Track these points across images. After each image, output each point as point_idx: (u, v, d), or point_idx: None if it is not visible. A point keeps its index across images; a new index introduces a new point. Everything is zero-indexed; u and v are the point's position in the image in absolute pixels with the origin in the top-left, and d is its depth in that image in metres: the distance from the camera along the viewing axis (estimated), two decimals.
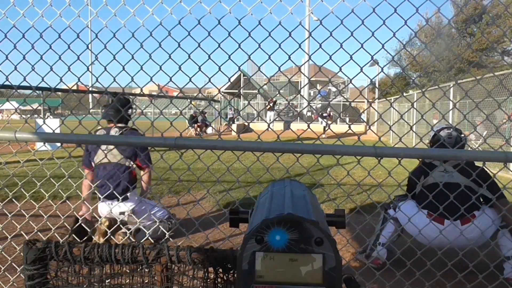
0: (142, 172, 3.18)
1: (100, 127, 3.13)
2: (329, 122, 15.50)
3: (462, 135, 2.78)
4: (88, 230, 2.68)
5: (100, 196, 3.00)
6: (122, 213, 3.03)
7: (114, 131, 3.08)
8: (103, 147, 3.01)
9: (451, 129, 2.81)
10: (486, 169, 2.16)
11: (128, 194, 3.00)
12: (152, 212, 3.13)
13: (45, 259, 1.07)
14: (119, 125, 3.17)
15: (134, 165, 3.10)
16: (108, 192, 2.80)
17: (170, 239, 3.11)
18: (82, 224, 2.87)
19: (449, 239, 2.04)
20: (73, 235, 2.88)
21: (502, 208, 2.33)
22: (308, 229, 0.55)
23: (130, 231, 2.94)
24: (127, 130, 3.14)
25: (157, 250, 1.05)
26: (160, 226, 2.91)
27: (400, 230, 2.77)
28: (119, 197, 2.19)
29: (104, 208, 3.06)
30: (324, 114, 16.54)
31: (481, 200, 2.62)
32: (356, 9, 1.45)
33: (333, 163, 5.77)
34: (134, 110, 3.29)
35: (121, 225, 2.75)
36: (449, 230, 2.38)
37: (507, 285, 2.34)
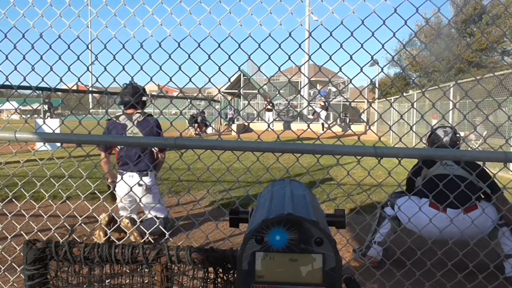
0: (158, 155, 3.44)
1: (120, 113, 3.39)
2: (327, 121, 15.41)
3: (458, 135, 2.81)
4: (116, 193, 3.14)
5: (122, 171, 3.29)
6: (140, 184, 3.24)
7: (135, 117, 3.33)
8: (129, 131, 3.30)
9: (447, 128, 2.85)
10: (486, 168, 2.18)
11: (148, 171, 3.26)
12: (158, 203, 3.35)
13: (45, 259, 1.07)
14: (138, 111, 3.40)
15: (156, 148, 3.34)
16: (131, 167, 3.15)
17: (170, 239, 3.12)
18: (114, 192, 3.20)
19: (454, 229, 2.04)
20: (110, 197, 3.20)
21: (501, 207, 2.34)
22: (308, 229, 0.56)
23: (137, 223, 3.07)
24: (145, 117, 3.36)
25: (157, 250, 1.05)
26: (162, 222, 3.08)
27: (399, 229, 2.77)
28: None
29: (126, 179, 3.21)
30: (318, 109, 16.30)
31: (482, 196, 2.63)
32: (356, 9, 1.45)
33: (333, 163, 5.77)
34: (148, 99, 3.55)
35: (118, 220, 2.85)
36: (452, 218, 2.37)
37: (507, 284, 2.34)
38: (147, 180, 3.29)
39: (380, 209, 2.87)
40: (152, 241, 3.07)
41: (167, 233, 2.12)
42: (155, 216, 3.12)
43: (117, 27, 1.62)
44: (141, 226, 2.96)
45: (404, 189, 2.99)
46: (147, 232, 1.92)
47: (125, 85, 3.27)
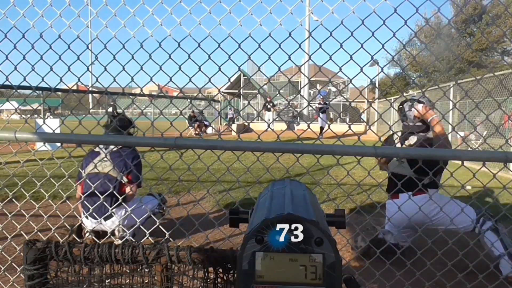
0: (129, 187, 3.06)
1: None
2: (328, 122, 15.35)
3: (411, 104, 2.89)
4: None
5: (84, 212, 2.89)
6: (113, 230, 3.00)
7: (111, 147, 3.04)
8: (96, 159, 3.01)
9: (415, 101, 2.81)
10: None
11: (113, 212, 2.89)
12: (143, 208, 3.09)
13: (45, 259, 1.07)
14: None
15: (125, 179, 3.02)
16: (93, 209, 2.50)
17: (170, 239, 3.11)
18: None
19: (409, 212, 2.20)
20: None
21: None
22: (308, 229, 0.56)
23: (123, 240, 2.96)
24: (121, 147, 3.04)
25: (157, 250, 1.05)
26: (154, 218, 2.87)
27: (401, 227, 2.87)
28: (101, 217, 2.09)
29: (89, 226, 2.98)
30: (320, 107, 16.10)
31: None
32: (356, 9, 1.45)
33: (333, 163, 5.77)
34: (135, 130, 3.15)
35: (112, 236, 2.67)
36: (405, 202, 2.48)
37: (507, 284, 2.34)
38: (115, 223, 2.96)
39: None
40: (153, 242, 3.05)
41: (157, 221, 2.11)
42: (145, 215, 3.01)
43: (117, 27, 1.62)
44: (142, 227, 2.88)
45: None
46: (147, 232, 1.91)
47: (111, 114, 3.03)
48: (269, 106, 17.19)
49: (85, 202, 2.58)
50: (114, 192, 2.16)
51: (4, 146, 1.72)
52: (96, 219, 2.91)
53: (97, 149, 3.09)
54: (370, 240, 2.83)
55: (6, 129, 1.54)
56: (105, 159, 2.97)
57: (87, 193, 2.21)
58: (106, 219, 2.91)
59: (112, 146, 3.04)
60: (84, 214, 2.90)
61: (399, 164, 2.83)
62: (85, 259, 1.05)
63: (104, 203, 2.27)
